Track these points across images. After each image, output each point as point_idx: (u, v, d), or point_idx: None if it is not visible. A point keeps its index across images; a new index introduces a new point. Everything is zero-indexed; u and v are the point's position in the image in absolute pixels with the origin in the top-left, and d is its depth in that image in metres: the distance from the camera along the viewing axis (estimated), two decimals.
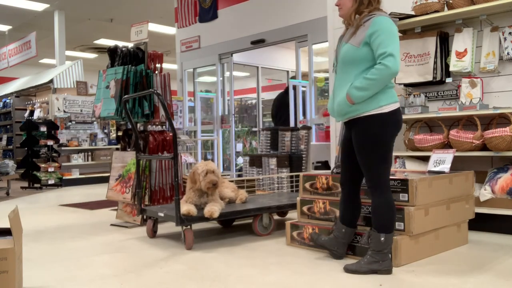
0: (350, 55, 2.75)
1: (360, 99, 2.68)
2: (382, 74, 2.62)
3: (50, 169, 8.87)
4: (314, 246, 3.22)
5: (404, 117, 4.21)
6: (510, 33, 3.89)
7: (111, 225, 4.59)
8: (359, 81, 2.68)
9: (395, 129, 2.77)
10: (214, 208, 3.55)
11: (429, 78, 4.23)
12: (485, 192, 3.72)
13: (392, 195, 2.81)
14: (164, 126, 4.93)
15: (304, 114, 7.24)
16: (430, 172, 3.39)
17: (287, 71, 9.50)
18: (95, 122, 10.06)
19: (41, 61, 15.78)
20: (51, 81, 10.33)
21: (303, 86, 7.29)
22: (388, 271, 2.71)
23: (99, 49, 15.19)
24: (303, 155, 5.30)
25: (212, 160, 8.02)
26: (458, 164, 3.79)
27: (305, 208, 3.53)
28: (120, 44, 4.96)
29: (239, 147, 9.90)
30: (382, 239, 2.71)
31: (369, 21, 2.70)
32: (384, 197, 2.75)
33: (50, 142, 8.91)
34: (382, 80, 2.64)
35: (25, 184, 9.06)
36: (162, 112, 4.60)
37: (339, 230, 2.99)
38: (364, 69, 2.71)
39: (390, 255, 2.78)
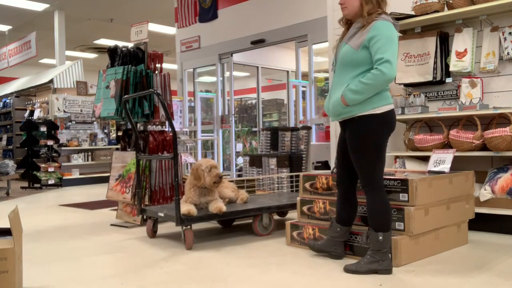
0: (349, 57, 2.77)
1: (354, 102, 2.71)
2: (378, 79, 2.65)
3: (50, 169, 8.87)
4: (315, 249, 3.22)
5: (404, 117, 4.22)
6: (510, 33, 3.89)
7: (111, 225, 4.59)
8: (355, 84, 2.70)
9: (388, 129, 2.79)
10: (220, 204, 3.62)
11: (429, 78, 4.23)
12: (485, 192, 3.72)
13: (386, 194, 2.82)
14: (164, 126, 4.93)
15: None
16: (430, 172, 3.39)
17: (287, 71, 9.50)
18: (95, 122, 10.06)
19: (41, 61, 15.78)
20: (51, 81, 10.33)
21: (303, 86, 7.29)
22: (388, 271, 2.71)
23: (99, 49, 15.18)
24: (303, 155, 5.29)
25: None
26: (458, 164, 3.79)
27: (305, 208, 3.53)
28: (120, 44, 4.96)
29: (239, 147, 9.90)
30: (380, 238, 2.72)
31: (370, 24, 2.70)
32: (378, 196, 2.77)
33: (50, 142, 8.92)
34: (377, 85, 2.67)
35: (25, 184, 9.06)
36: (162, 112, 4.60)
37: (334, 230, 3.02)
38: (362, 72, 2.73)
39: (390, 255, 2.79)
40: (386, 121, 2.76)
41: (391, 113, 2.78)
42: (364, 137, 2.74)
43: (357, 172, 2.83)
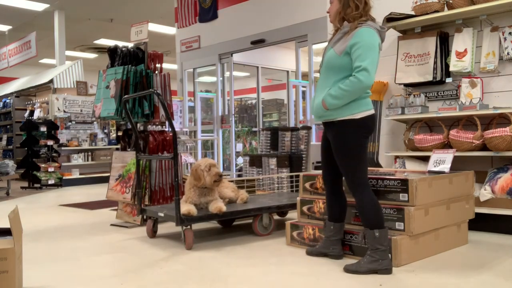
0: (332, 62, 2.86)
1: (333, 107, 2.80)
2: (355, 87, 2.72)
3: (50, 169, 8.87)
4: (315, 246, 3.22)
5: (404, 117, 4.22)
6: (510, 33, 3.89)
7: (111, 225, 4.59)
8: (334, 90, 2.79)
9: (366, 132, 2.86)
10: (220, 204, 3.63)
11: (429, 78, 4.23)
12: (485, 192, 3.72)
13: (372, 192, 2.86)
14: (164, 126, 4.93)
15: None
16: (430, 172, 3.39)
17: (287, 71, 9.50)
18: (95, 122, 10.06)
19: (41, 61, 15.78)
20: (51, 81, 10.33)
21: (303, 86, 7.29)
22: (388, 271, 2.71)
23: (99, 49, 15.18)
24: (303, 155, 5.29)
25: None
26: (458, 164, 3.79)
27: (305, 208, 3.53)
28: (120, 44, 4.96)
29: (239, 147, 9.90)
30: (377, 234, 2.75)
31: (354, 31, 2.76)
32: (365, 196, 2.82)
33: (50, 142, 8.92)
34: (354, 92, 2.74)
35: (25, 184, 9.06)
36: (162, 112, 4.60)
37: (328, 229, 3.07)
38: (344, 77, 2.80)
39: (390, 254, 2.79)
40: (364, 125, 2.83)
41: (370, 117, 2.85)
42: (345, 140, 2.83)
43: (342, 174, 2.93)
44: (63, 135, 9.47)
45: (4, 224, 2.56)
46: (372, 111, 2.87)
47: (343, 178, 2.97)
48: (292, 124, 7.45)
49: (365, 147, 2.88)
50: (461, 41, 4.10)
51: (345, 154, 2.84)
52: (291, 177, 5.15)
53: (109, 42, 12.41)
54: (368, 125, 2.86)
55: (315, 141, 6.48)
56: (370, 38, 2.74)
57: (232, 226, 4.34)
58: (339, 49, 2.80)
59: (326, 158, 3.06)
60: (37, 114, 10.03)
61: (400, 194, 3.00)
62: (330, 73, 2.87)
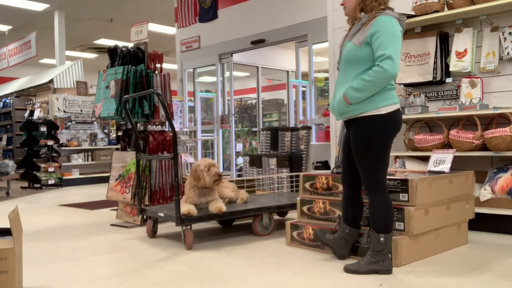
0: (352, 54, 2.72)
1: (356, 100, 2.67)
2: (379, 76, 2.59)
3: (50, 169, 8.87)
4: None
5: (404, 117, 4.21)
6: (510, 33, 3.89)
7: (111, 225, 4.59)
8: (356, 82, 2.65)
9: (392, 130, 2.73)
10: (220, 204, 3.62)
11: (429, 78, 4.23)
12: (485, 192, 3.72)
13: (389, 195, 2.80)
14: (164, 126, 4.93)
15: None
16: (430, 172, 3.39)
17: (287, 71, 9.51)
18: (95, 122, 10.06)
19: (41, 61, 15.78)
20: (51, 81, 10.33)
21: (303, 86, 7.29)
22: (388, 271, 2.71)
23: (99, 49, 15.19)
24: (303, 155, 5.29)
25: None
26: (458, 164, 3.79)
27: (305, 208, 3.53)
28: (120, 44, 4.96)
29: (239, 147, 9.90)
30: (382, 239, 2.71)
31: (373, 20, 2.66)
32: (381, 198, 2.74)
33: (50, 142, 8.91)
34: (379, 82, 2.61)
35: (25, 184, 9.06)
36: (162, 112, 4.60)
37: (343, 231, 2.98)
38: (365, 69, 2.67)
39: (390, 255, 2.79)
40: (390, 121, 2.70)
41: (396, 113, 2.72)
42: (367, 137, 2.70)
43: (360, 173, 2.81)
44: (63, 135, 9.47)
45: (4, 224, 2.56)
46: (398, 105, 2.73)
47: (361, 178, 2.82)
48: (292, 124, 7.46)
49: (389, 147, 2.74)
50: (461, 41, 4.10)
51: (367, 153, 2.70)
52: (291, 177, 5.15)
53: (109, 42, 12.41)
54: (395, 122, 2.71)
55: (315, 141, 6.50)
56: (391, 26, 2.61)
57: (232, 226, 4.34)
58: (358, 40, 2.67)
59: (347, 159, 2.91)
60: (37, 114, 10.03)
61: (400, 194, 3.00)
62: (350, 66, 2.73)
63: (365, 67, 2.68)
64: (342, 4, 2.87)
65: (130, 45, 4.82)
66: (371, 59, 2.66)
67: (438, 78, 4.21)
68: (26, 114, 10.51)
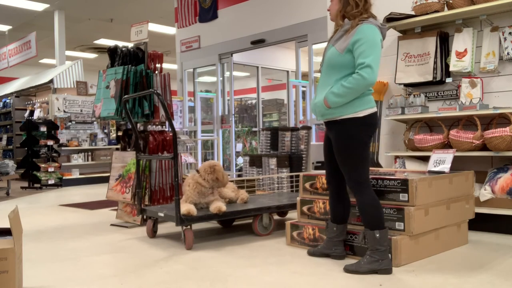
0: (334, 60, 2.83)
1: (336, 104, 2.78)
2: (359, 84, 2.70)
3: (50, 169, 8.87)
4: (315, 246, 3.22)
5: (404, 117, 4.22)
6: (510, 33, 3.89)
7: (111, 225, 4.59)
8: (337, 87, 2.76)
9: (369, 131, 2.84)
10: (220, 204, 3.63)
11: (429, 78, 4.23)
12: (485, 192, 3.72)
13: (373, 192, 2.84)
14: (164, 126, 4.93)
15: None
16: (430, 172, 3.39)
17: (287, 71, 9.51)
18: (95, 122, 10.06)
19: (41, 61, 15.78)
20: (51, 81, 10.33)
21: (303, 86, 7.29)
22: (388, 271, 2.71)
23: (99, 49, 15.19)
24: (303, 155, 5.30)
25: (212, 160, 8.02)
26: (458, 164, 3.79)
27: (305, 208, 3.53)
28: (120, 44, 4.96)
29: (239, 147, 9.90)
30: (377, 235, 2.74)
31: (355, 28, 2.75)
32: (367, 195, 2.80)
33: (50, 142, 8.91)
34: (358, 89, 2.72)
35: (25, 184, 9.06)
36: (162, 112, 4.60)
37: (331, 230, 3.05)
38: (346, 75, 2.78)
39: (389, 254, 2.79)
40: (367, 123, 2.81)
41: (373, 115, 2.84)
42: (347, 138, 2.80)
43: (343, 173, 2.88)
44: (63, 135, 9.47)
45: (4, 224, 2.56)
46: (375, 109, 2.86)
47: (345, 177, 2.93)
48: (292, 124, 7.46)
49: (368, 146, 2.85)
50: (461, 41, 4.10)
51: (348, 153, 2.81)
52: (291, 177, 5.15)
53: (109, 42, 12.42)
54: (372, 123, 2.84)
55: (315, 141, 6.49)
56: (372, 35, 2.72)
57: (232, 226, 4.34)
58: (341, 47, 2.78)
59: (329, 159, 3.01)
60: (37, 114, 10.03)
61: (400, 194, 3.00)
62: (331, 71, 2.84)
63: (346, 72, 2.79)
64: (328, 10, 2.99)
65: (130, 45, 4.82)
66: (351, 65, 2.77)
67: (438, 78, 4.21)
68: (26, 114, 10.51)
